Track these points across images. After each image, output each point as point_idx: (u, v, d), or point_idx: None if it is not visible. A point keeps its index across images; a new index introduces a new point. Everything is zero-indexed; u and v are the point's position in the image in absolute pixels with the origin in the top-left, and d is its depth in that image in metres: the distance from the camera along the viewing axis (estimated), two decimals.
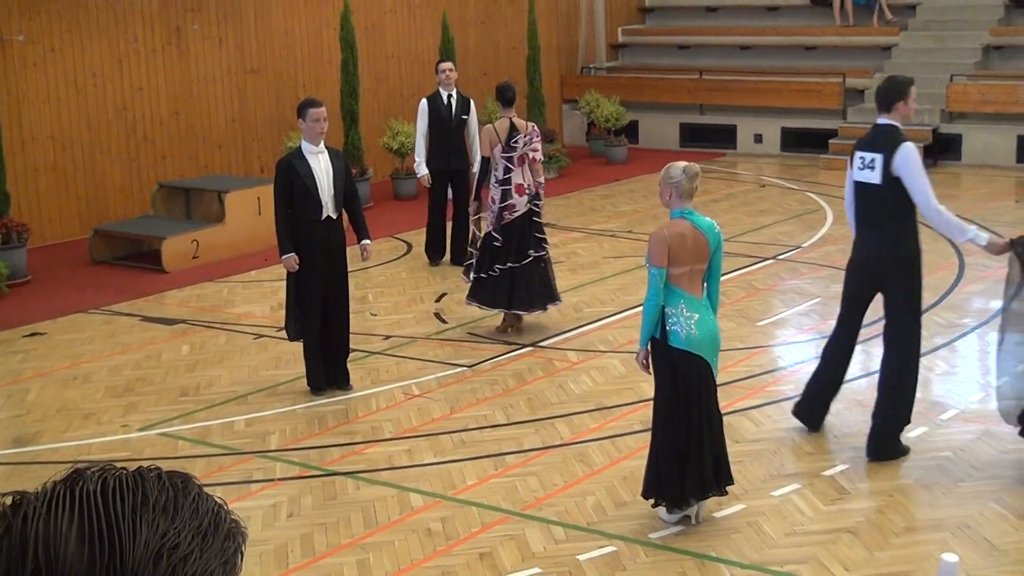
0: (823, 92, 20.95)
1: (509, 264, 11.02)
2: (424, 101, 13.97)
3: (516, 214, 11.00)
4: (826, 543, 7.06)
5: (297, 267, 9.68)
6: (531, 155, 11.09)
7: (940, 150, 19.62)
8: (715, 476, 7.26)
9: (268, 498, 7.97)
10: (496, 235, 11.06)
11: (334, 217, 9.72)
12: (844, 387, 9.42)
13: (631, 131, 22.26)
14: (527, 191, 11.03)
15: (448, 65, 14.01)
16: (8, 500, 1.44)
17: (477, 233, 11.51)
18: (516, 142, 11.05)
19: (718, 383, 7.41)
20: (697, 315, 7.05)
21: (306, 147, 9.67)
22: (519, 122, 11.21)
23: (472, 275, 11.31)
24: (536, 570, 6.85)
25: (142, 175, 16.67)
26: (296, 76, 18.64)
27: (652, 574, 6.77)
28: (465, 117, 13.95)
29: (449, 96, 13.84)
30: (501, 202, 11.03)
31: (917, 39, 21.69)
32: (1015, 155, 19.19)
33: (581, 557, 6.98)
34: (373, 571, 6.94)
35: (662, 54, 24.33)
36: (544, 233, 11.31)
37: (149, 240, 14.81)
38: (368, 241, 10.00)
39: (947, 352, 10.47)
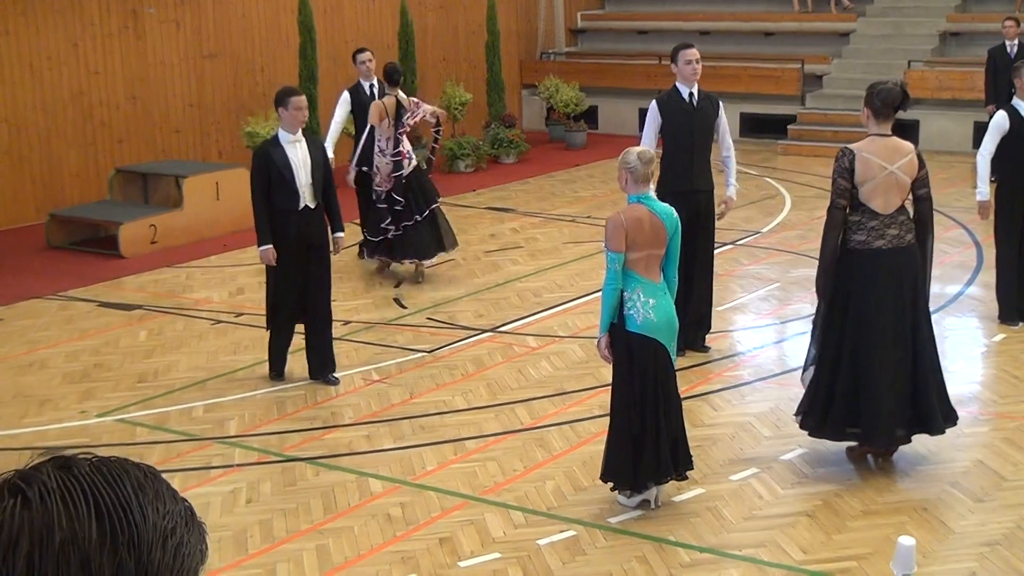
0: (781, 78, 21.04)
1: (415, 219, 12.26)
2: (346, 92, 13.51)
3: (404, 175, 12.23)
4: (784, 527, 7.10)
5: (274, 262, 9.47)
6: (410, 124, 12.40)
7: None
8: (673, 461, 7.28)
9: (227, 484, 7.94)
10: (398, 197, 12.21)
11: (312, 207, 9.53)
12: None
13: (590, 116, 22.26)
14: (407, 156, 12.33)
15: (367, 55, 13.55)
16: (12, 476, 1.44)
17: (379, 192, 12.44)
18: (404, 118, 12.27)
19: (677, 368, 7.44)
20: (654, 300, 7.07)
21: (283, 136, 9.45)
22: (404, 99, 12.39)
23: (372, 234, 12.56)
24: (496, 555, 6.86)
25: (99, 160, 16.54)
26: (254, 60, 18.53)
27: (611, 558, 6.79)
28: None
29: (371, 87, 13.40)
30: (394, 171, 12.26)
31: (875, 25, 21.80)
32: (971, 141, 19.29)
33: (541, 542, 7.00)
34: (333, 556, 6.93)
35: (621, 39, 24.35)
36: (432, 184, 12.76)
37: (106, 225, 14.71)
38: (341, 234, 9.83)
39: None
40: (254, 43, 18.57)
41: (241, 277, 13.22)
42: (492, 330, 11.00)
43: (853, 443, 8.05)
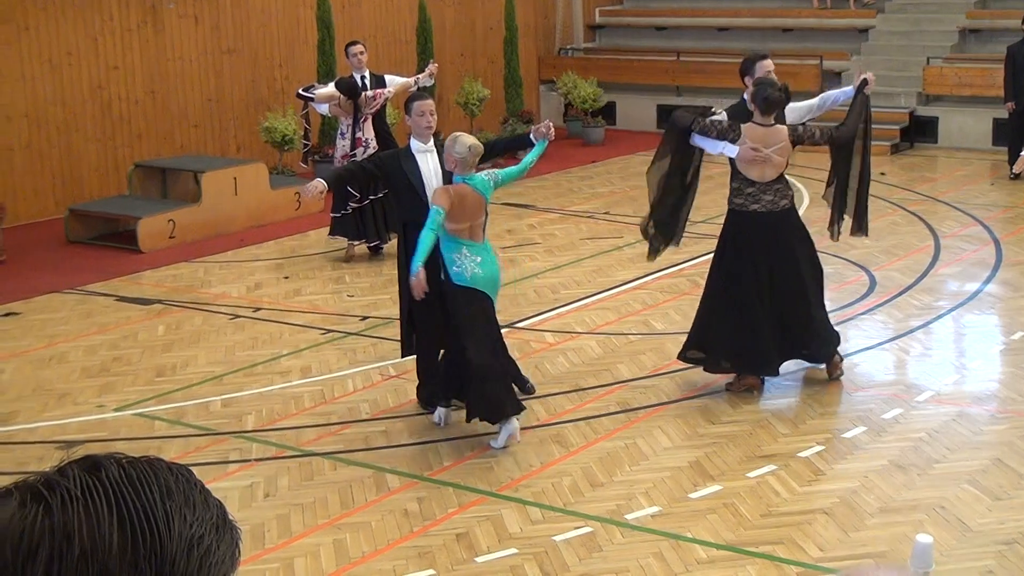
0: (800, 74, 20.93)
1: (370, 197, 13.10)
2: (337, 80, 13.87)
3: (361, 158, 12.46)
4: (801, 524, 7.09)
5: (315, 191, 8.88)
6: (370, 113, 13.20)
7: (916, 132, 19.67)
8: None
9: (244, 479, 7.97)
10: None
11: None
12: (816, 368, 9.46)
13: (608, 112, 22.23)
14: (363, 142, 13.09)
15: (359, 48, 13.75)
16: (36, 480, 1.40)
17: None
18: (361, 120, 13.15)
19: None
20: (480, 257, 8.32)
21: (415, 145, 8.89)
22: (363, 100, 13.13)
23: (333, 209, 13.39)
24: (512, 551, 6.87)
25: (117, 154, 16.58)
26: (272, 55, 18.55)
27: (628, 555, 6.79)
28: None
29: (363, 78, 13.55)
30: (350, 152, 13.03)
31: (894, 22, 21.73)
32: (991, 138, 19.24)
33: (557, 538, 7.00)
34: (350, 551, 6.95)
35: (639, 35, 24.31)
36: None
37: (125, 220, 14.74)
38: (534, 128, 9.20)
39: (922, 334, 10.52)
40: (272, 38, 18.59)
41: (259, 272, 13.25)
42: (509, 326, 10.98)
43: (730, 377, 9.15)
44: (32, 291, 12.57)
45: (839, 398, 9.11)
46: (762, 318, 8.88)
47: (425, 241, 8.07)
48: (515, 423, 8.28)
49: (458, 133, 8.47)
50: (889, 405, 8.81)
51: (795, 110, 9.53)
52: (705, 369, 9.24)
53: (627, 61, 23.07)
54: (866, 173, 9.43)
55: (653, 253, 9.50)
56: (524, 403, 8.47)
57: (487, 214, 8.53)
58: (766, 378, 9.22)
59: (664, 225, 9.35)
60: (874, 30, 21.74)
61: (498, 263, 8.52)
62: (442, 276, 8.35)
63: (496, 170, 8.71)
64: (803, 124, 9.09)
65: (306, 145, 14.90)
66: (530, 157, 8.92)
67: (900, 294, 11.54)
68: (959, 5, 21.40)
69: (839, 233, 9.61)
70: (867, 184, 9.49)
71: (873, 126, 9.68)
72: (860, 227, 9.57)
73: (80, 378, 10.04)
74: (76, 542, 1.34)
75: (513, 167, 8.85)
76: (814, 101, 9.76)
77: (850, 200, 9.41)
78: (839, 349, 9.36)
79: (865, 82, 9.32)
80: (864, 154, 9.37)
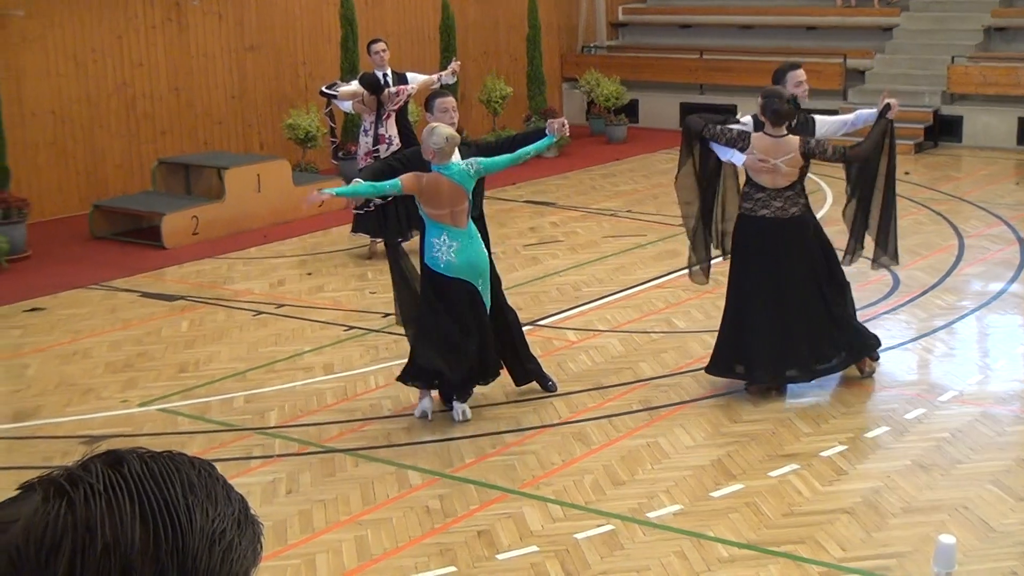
0: (824, 73, 20.90)
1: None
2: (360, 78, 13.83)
3: (381, 156, 12.48)
4: (823, 524, 7.08)
5: (313, 203, 8.91)
6: (393, 110, 13.25)
7: (941, 131, 19.60)
8: (471, 376, 8.69)
9: (267, 474, 7.99)
10: None
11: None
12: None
13: (631, 110, 22.21)
14: (387, 139, 13.18)
15: (381, 46, 13.81)
16: (59, 475, 1.41)
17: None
18: (383, 116, 13.21)
19: None
20: (458, 243, 8.40)
21: None
22: (386, 96, 13.17)
23: (361, 209, 13.14)
24: (534, 548, 6.87)
25: (142, 151, 16.64)
26: (296, 53, 18.60)
27: (649, 553, 6.79)
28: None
29: (384, 75, 13.59)
30: (372, 149, 13.11)
31: (918, 20, 21.66)
32: (1015, 137, 19.18)
33: (579, 536, 7.00)
34: (371, 548, 6.97)
35: (663, 33, 24.28)
36: None
37: (149, 216, 14.80)
38: (549, 121, 9.06)
39: (945, 334, 10.48)
40: (296, 35, 18.63)
41: (282, 268, 13.28)
42: (531, 324, 10.99)
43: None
44: (57, 287, 12.63)
45: (862, 397, 9.09)
46: (762, 325, 8.86)
47: (357, 187, 8.39)
48: (427, 403, 8.74)
49: (435, 124, 8.49)
50: (912, 405, 8.79)
51: (828, 124, 9.41)
52: (707, 370, 9.21)
53: (650, 59, 23.06)
54: (891, 198, 9.24)
55: (703, 276, 9.56)
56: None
57: (470, 200, 8.54)
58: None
59: (704, 249, 9.39)
60: (898, 28, 21.68)
61: (480, 248, 8.57)
62: (423, 259, 8.49)
63: (480, 158, 8.63)
64: (817, 139, 8.94)
65: (334, 142, 14.97)
66: (528, 148, 8.81)
67: (923, 293, 11.51)
68: (984, 3, 21.31)
69: (855, 260, 9.42)
70: (892, 208, 9.29)
71: (897, 125, 9.59)
72: (885, 251, 9.36)
73: (104, 373, 10.08)
74: (99, 537, 1.35)
75: (504, 156, 8.77)
76: (849, 116, 9.67)
77: (872, 222, 9.27)
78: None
79: (888, 107, 9.15)
80: (888, 178, 9.17)
